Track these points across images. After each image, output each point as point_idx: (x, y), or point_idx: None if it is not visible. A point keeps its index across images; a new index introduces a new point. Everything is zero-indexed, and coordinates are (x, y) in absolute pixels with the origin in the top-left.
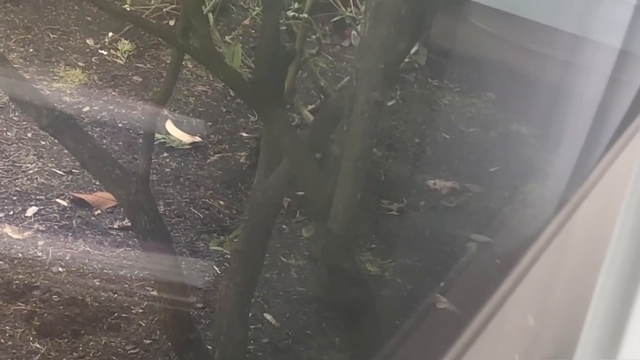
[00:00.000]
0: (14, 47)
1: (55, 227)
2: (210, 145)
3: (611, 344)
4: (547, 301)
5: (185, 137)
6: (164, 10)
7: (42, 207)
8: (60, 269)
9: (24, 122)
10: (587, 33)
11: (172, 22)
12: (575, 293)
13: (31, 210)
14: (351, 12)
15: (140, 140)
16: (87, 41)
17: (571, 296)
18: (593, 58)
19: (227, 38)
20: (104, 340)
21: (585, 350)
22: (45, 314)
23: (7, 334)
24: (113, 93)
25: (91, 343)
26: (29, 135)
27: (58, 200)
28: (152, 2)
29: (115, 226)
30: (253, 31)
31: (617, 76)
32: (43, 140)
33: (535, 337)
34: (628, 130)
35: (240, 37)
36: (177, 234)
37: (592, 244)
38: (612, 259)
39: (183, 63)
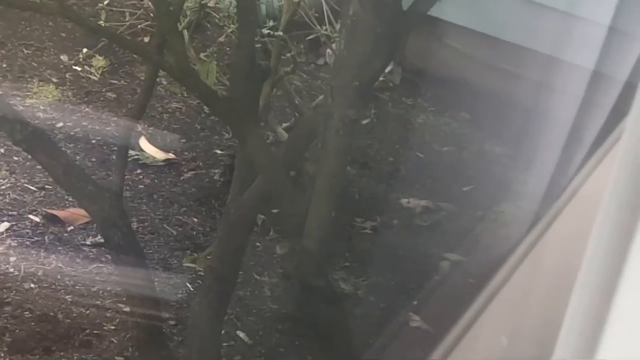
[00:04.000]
0: None
1: (28, 243)
2: (184, 162)
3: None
4: (519, 320)
5: (159, 154)
6: (139, 27)
7: (14, 223)
8: (33, 285)
9: None
10: (560, 54)
11: (146, 39)
12: (547, 312)
13: (3, 226)
14: (326, 30)
15: (114, 157)
16: (61, 57)
17: (543, 315)
18: (566, 79)
19: (202, 55)
20: (75, 357)
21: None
22: (17, 330)
23: None
24: (87, 109)
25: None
26: (2, 150)
27: (31, 216)
28: (126, 19)
29: (88, 242)
30: (228, 49)
31: (590, 97)
32: (16, 156)
33: (508, 356)
34: (599, 151)
35: (216, 55)
36: (151, 251)
37: (564, 263)
38: (584, 279)
39: (158, 80)
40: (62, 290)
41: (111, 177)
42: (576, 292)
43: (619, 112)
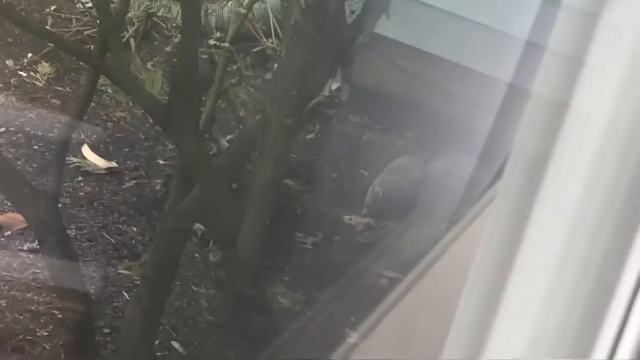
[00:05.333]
0: None
1: None
2: (126, 171)
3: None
4: (413, 331)
5: (101, 162)
6: (85, 33)
7: None
8: None
9: None
10: (498, 74)
11: (92, 46)
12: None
13: None
14: (273, 43)
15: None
16: (7, 62)
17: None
18: (500, 98)
19: (149, 65)
20: None
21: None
22: None
23: None
24: (30, 115)
25: None
26: None
27: None
28: (73, 25)
29: (25, 248)
30: (175, 59)
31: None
32: None
33: None
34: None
35: (162, 65)
36: (88, 258)
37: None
38: (470, 293)
39: (103, 89)
40: None
41: (48, 182)
42: (460, 307)
43: None
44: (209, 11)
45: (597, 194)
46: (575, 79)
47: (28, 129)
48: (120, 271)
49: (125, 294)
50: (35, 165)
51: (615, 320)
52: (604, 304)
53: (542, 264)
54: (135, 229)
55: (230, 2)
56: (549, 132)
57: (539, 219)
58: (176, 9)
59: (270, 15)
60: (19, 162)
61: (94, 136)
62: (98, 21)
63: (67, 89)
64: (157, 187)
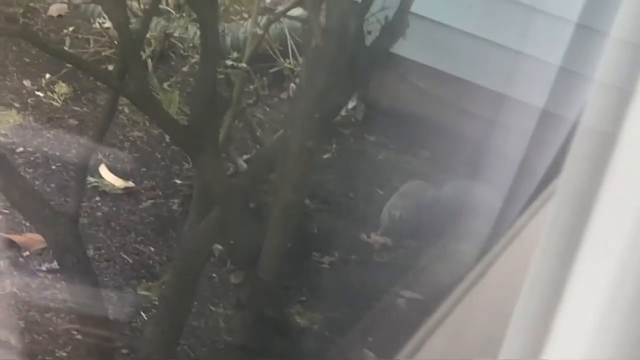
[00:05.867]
0: None
1: None
2: (143, 191)
3: None
4: (459, 351)
5: (118, 182)
6: (103, 54)
7: None
8: None
9: None
10: (514, 93)
11: (111, 67)
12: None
13: None
14: (290, 64)
15: (72, 182)
16: (24, 82)
17: (484, 346)
18: (518, 118)
19: (165, 85)
20: None
21: None
22: None
23: None
24: (48, 135)
25: None
26: None
27: None
28: (91, 46)
29: (44, 268)
30: (191, 79)
31: (539, 136)
32: None
33: None
34: (547, 190)
35: (179, 85)
36: (106, 278)
37: (503, 299)
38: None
39: (120, 108)
40: (16, 316)
41: (68, 203)
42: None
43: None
44: (225, 31)
45: None
46: (624, 110)
47: (46, 149)
48: (139, 292)
49: (143, 314)
50: (53, 185)
51: None
52: None
53: (602, 271)
54: (152, 248)
55: (246, 23)
56: (597, 163)
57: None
58: (193, 30)
59: (287, 35)
60: (37, 182)
61: (111, 156)
62: (117, 42)
63: (85, 109)
64: (174, 207)
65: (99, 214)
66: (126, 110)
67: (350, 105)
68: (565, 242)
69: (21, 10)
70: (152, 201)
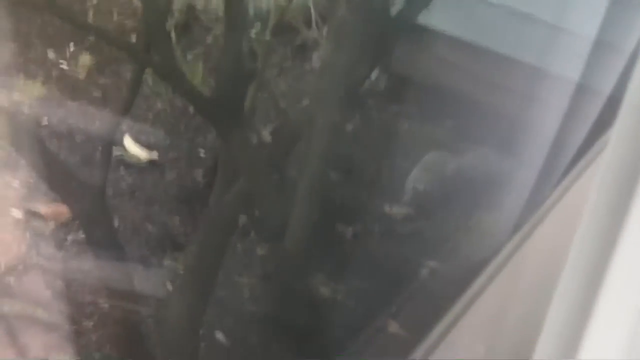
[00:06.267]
0: None
1: (9, 239)
2: (167, 163)
3: None
4: (497, 328)
5: (142, 154)
6: (127, 26)
7: None
8: (12, 280)
9: None
10: (545, 65)
11: (134, 38)
12: (525, 321)
13: None
14: (314, 34)
15: (98, 154)
16: (48, 54)
17: (522, 323)
18: (550, 90)
19: (189, 56)
20: (53, 354)
21: None
22: None
23: None
24: (72, 107)
25: (40, 356)
26: None
27: (13, 211)
28: (114, 18)
29: (69, 239)
30: (215, 50)
31: (573, 108)
32: None
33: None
34: (582, 162)
35: (202, 56)
36: (131, 249)
37: (544, 273)
38: (564, 287)
39: (143, 79)
40: (42, 286)
41: (94, 175)
42: (555, 302)
43: (601, 124)
44: (249, 2)
45: None
46: None
47: (70, 121)
48: (164, 263)
49: (169, 285)
50: (77, 156)
51: None
52: None
53: (622, 316)
54: (177, 219)
55: None
56: None
57: (631, 234)
58: (217, 1)
59: (311, 6)
60: (62, 154)
61: (135, 127)
62: (142, 14)
63: (108, 80)
64: (199, 178)
65: (123, 185)
66: (149, 81)
67: (373, 75)
68: (609, 220)
69: None
70: (176, 172)
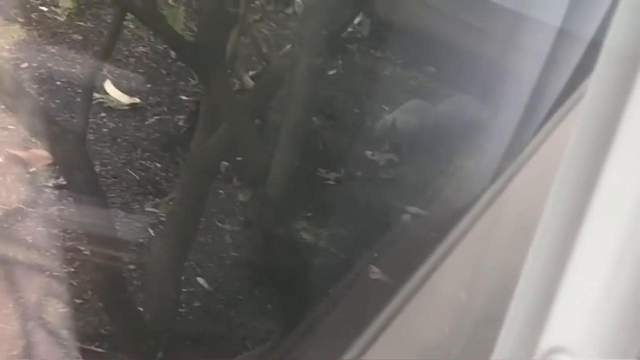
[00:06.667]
0: None
1: None
2: (149, 107)
3: (540, 311)
4: (477, 272)
5: (124, 98)
6: None
7: None
8: None
9: None
10: (527, 10)
11: None
12: (506, 265)
13: None
14: None
15: (79, 99)
16: None
17: (502, 267)
18: (531, 35)
19: (170, 0)
20: (33, 299)
21: (515, 315)
22: None
23: None
24: (52, 50)
25: (20, 300)
26: None
27: None
28: None
29: (50, 184)
30: None
31: (554, 54)
32: None
33: (466, 307)
34: (562, 108)
35: (184, 0)
36: (113, 195)
37: (523, 219)
38: (543, 231)
39: (125, 23)
40: (23, 232)
41: (75, 120)
42: (534, 248)
43: (583, 69)
44: None
45: None
46: None
47: (50, 65)
48: (146, 209)
49: (151, 231)
50: (58, 101)
51: None
52: None
53: (613, 227)
54: (159, 165)
55: None
56: (622, 87)
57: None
58: None
59: None
60: (42, 98)
61: (117, 72)
62: None
63: (89, 24)
64: (181, 123)
65: (105, 130)
66: (131, 25)
67: (356, 20)
68: (587, 165)
69: None
70: (158, 117)
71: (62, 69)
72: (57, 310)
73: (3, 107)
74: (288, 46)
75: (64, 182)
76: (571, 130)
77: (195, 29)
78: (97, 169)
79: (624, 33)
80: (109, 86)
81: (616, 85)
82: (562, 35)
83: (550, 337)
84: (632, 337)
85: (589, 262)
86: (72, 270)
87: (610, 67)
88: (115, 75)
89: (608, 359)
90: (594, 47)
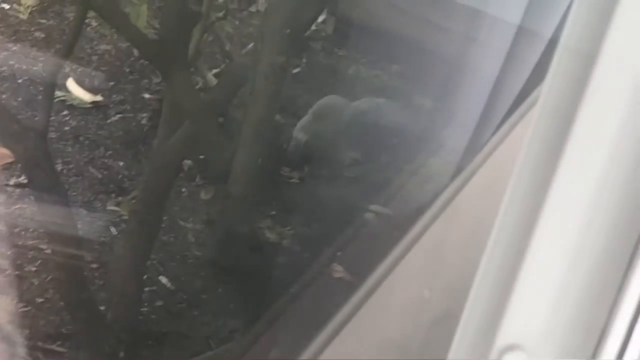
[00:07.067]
0: None
1: None
2: (111, 105)
3: (496, 310)
4: (437, 269)
5: (86, 96)
6: None
7: None
8: None
9: None
10: (487, 8)
11: None
12: (465, 261)
13: None
14: None
15: (40, 97)
16: None
17: (461, 264)
18: (492, 34)
19: None
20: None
21: (471, 313)
22: None
23: None
24: (14, 48)
25: None
26: None
27: None
28: None
29: (12, 183)
30: None
31: (515, 52)
32: None
33: (425, 304)
34: (521, 108)
35: None
36: (75, 193)
37: (481, 217)
38: (499, 230)
39: (87, 21)
40: None
41: (37, 118)
42: (489, 249)
43: (542, 68)
44: None
45: (610, 189)
46: (604, 30)
47: (12, 62)
48: (108, 207)
49: (113, 229)
50: (20, 99)
51: (626, 319)
52: (614, 303)
53: (568, 223)
54: (121, 163)
55: None
56: (576, 84)
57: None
58: None
59: None
60: (3, 96)
61: (79, 69)
62: None
63: (51, 21)
64: (143, 121)
65: (67, 128)
66: (94, 23)
67: (320, 18)
68: (542, 163)
69: None
70: (120, 115)
71: (23, 66)
72: (17, 310)
73: None
74: (251, 44)
75: (25, 181)
76: (526, 131)
77: (158, 27)
78: (59, 167)
79: (579, 30)
80: (71, 84)
81: (571, 83)
82: (522, 32)
83: (506, 335)
84: (587, 336)
85: (544, 261)
86: (34, 269)
87: (566, 64)
88: (77, 73)
89: (563, 358)
90: (552, 46)
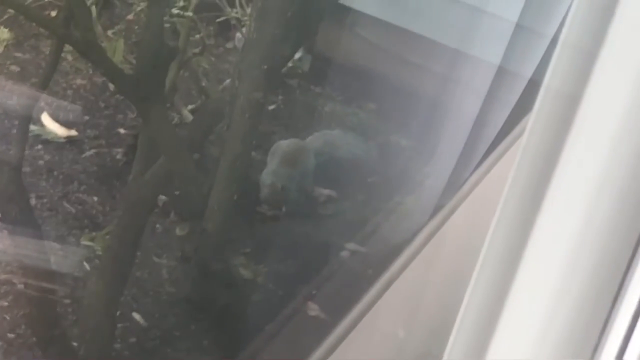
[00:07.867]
0: None
1: None
2: (86, 140)
3: (478, 348)
4: (414, 311)
5: (61, 131)
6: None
7: None
8: None
9: None
10: (467, 49)
11: (54, 13)
12: (444, 301)
13: None
14: (237, 13)
15: (15, 131)
16: None
17: (440, 304)
18: (471, 73)
19: (110, 32)
20: None
21: (453, 349)
22: None
23: None
24: None
25: None
26: None
27: None
28: None
29: None
30: (136, 27)
31: (494, 92)
32: None
33: (403, 344)
34: (501, 146)
35: (123, 33)
36: (49, 228)
37: (461, 256)
38: (479, 274)
39: (63, 55)
40: None
41: (11, 151)
42: (471, 287)
43: (521, 108)
44: None
45: (608, 193)
46: (589, 72)
47: None
48: (82, 242)
49: (86, 265)
50: None
51: (625, 321)
52: (612, 305)
53: (551, 264)
54: (96, 198)
55: None
56: (560, 125)
57: (547, 217)
58: None
59: None
60: None
61: (54, 104)
62: None
63: (27, 55)
64: (118, 157)
65: (41, 162)
66: (69, 57)
67: (297, 56)
68: (526, 201)
69: None
70: (95, 150)
71: None
72: None
73: None
74: (228, 80)
75: None
76: (510, 167)
77: (134, 61)
78: (33, 202)
79: (563, 72)
80: (45, 118)
81: (555, 122)
82: (502, 73)
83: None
84: (586, 337)
85: (527, 298)
86: (6, 304)
87: (550, 104)
88: (52, 107)
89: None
90: (532, 86)
